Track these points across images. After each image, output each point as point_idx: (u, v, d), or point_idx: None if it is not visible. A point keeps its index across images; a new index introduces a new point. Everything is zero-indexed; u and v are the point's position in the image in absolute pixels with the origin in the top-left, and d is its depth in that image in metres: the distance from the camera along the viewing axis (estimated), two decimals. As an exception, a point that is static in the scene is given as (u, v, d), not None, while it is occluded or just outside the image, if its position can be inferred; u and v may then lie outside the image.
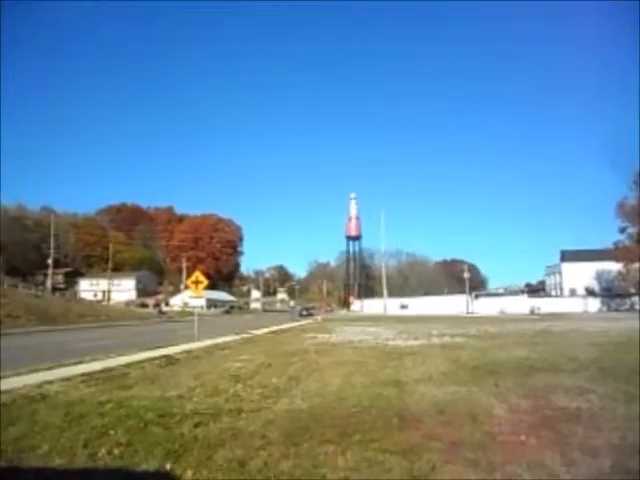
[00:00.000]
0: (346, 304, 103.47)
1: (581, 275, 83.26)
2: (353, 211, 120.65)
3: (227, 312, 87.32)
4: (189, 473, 4.56)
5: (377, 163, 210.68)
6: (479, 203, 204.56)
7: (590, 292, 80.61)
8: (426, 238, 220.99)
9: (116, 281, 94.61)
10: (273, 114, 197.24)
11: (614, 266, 70.33)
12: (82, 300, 71.32)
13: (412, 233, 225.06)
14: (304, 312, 70.37)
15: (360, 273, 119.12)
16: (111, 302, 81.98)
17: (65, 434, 5.87)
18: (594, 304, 72.97)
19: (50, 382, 9.70)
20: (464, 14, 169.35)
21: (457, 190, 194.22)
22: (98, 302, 76.44)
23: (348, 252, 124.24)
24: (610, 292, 76.51)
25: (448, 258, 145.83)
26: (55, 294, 68.35)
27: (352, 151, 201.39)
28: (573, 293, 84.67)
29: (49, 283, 76.76)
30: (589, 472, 4.46)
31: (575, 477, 4.34)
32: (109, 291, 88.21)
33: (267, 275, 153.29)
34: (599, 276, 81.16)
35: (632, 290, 70.77)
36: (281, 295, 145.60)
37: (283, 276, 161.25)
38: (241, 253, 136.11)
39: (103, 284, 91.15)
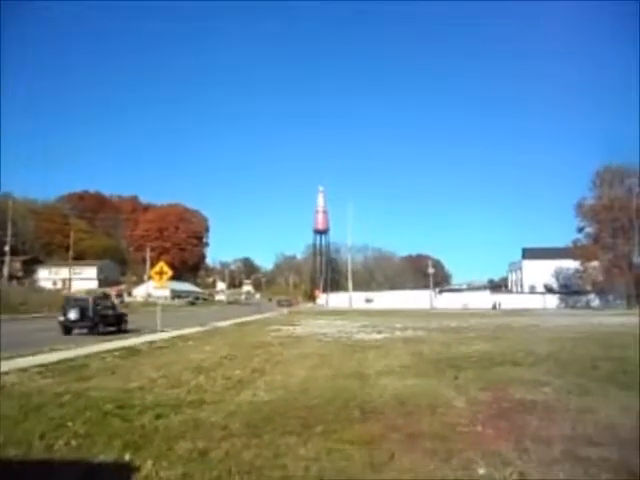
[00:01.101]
0: (312, 297, 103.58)
1: (541, 272, 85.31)
2: (321, 204, 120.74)
3: (192, 303, 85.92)
4: (149, 464, 4.51)
5: (345, 157, 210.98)
6: (445, 200, 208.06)
7: (549, 289, 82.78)
8: (392, 233, 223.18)
9: (77, 270, 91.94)
10: (242, 106, 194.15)
11: (572, 264, 72.49)
12: (41, 289, 69.11)
13: (379, 228, 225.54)
14: (284, 303, 78.37)
15: (326, 267, 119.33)
16: (72, 291, 79.75)
17: (21, 425, 5.73)
18: (552, 301, 75.02)
19: (6, 373, 9.45)
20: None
21: (423, 186, 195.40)
22: (58, 291, 74.17)
23: (315, 246, 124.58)
24: (568, 289, 78.74)
25: (414, 253, 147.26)
26: (12, 282, 66.11)
27: (320, 145, 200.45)
28: (533, 290, 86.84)
29: (6, 271, 74.15)
30: (540, 459, 4.63)
31: (526, 463, 4.51)
32: (70, 280, 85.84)
33: (233, 267, 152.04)
34: (558, 274, 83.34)
35: (588, 288, 73.18)
36: (247, 287, 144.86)
37: (249, 268, 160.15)
38: (207, 244, 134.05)
39: (63, 273, 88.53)
